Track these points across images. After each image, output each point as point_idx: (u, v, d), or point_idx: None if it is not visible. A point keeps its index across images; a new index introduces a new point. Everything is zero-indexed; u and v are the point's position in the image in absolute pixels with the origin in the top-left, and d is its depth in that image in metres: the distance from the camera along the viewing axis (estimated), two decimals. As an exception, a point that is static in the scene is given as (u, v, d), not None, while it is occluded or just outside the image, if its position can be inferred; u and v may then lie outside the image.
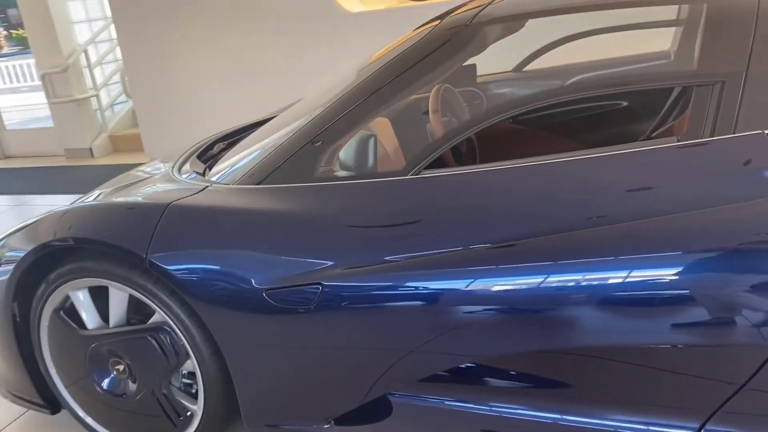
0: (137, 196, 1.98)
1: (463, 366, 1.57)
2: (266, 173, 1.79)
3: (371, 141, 1.79)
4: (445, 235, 1.53)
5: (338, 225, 1.62)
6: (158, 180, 2.11)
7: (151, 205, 1.81)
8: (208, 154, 2.40)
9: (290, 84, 4.74)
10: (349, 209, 1.65)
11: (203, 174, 2.11)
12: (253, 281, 1.64)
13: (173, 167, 2.19)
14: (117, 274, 1.81)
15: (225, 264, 1.67)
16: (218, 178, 1.96)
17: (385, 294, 1.55)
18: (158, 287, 1.77)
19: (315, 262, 1.61)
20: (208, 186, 1.87)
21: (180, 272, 1.69)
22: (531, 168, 1.53)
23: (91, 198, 2.18)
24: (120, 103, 6.94)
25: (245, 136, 2.56)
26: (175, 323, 1.79)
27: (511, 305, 1.47)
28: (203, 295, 1.69)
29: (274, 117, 2.75)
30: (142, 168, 2.49)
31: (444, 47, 1.71)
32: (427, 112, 1.96)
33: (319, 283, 1.59)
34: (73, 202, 2.13)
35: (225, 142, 2.54)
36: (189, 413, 1.92)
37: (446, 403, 1.61)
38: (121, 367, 1.93)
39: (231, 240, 1.69)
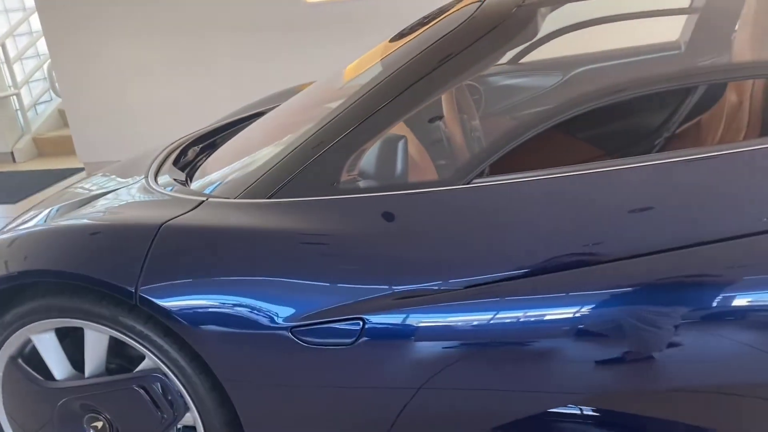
0: (111, 214, 1.63)
1: (543, 410, 1.33)
2: (277, 185, 1.48)
3: (401, 145, 1.52)
4: (518, 254, 1.28)
5: (380, 245, 1.34)
6: (132, 194, 1.76)
7: (137, 227, 1.47)
8: (183, 161, 2.05)
9: (240, 80, 4.38)
10: (393, 227, 1.37)
11: (185, 184, 1.78)
12: (275, 317, 1.34)
13: (148, 177, 1.84)
14: (95, 313, 1.46)
15: (238, 297, 1.36)
16: (210, 191, 1.63)
17: (445, 328, 1.29)
18: (150, 327, 1.44)
19: (354, 292, 1.32)
20: (203, 200, 1.54)
21: (179, 308, 1.37)
22: (619, 172, 1.30)
23: (36, 221, 1.79)
24: (44, 102, 6.33)
25: (224, 139, 2.23)
26: (171, 370, 1.46)
27: (609, 338, 1.23)
28: (209, 336, 1.37)
29: (254, 116, 2.43)
30: (81, 185, 2.09)
31: (496, 31, 1.45)
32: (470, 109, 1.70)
33: (360, 318, 1.31)
34: (9, 226, 1.75)
35: (199, 146, 2.20)
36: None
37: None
38: (99, 425, 1.57)
39: (244, 267, 1.38)
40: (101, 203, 1.77)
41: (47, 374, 1.58)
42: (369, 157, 1.49)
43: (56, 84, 5.28)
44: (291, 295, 1.35)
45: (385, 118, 1.47)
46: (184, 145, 2.15)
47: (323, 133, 1.50)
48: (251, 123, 2.31)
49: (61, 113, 6.02)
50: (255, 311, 1.35)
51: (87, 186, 2.03)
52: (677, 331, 1.22)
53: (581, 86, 2.33)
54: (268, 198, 1.48)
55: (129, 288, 1.38)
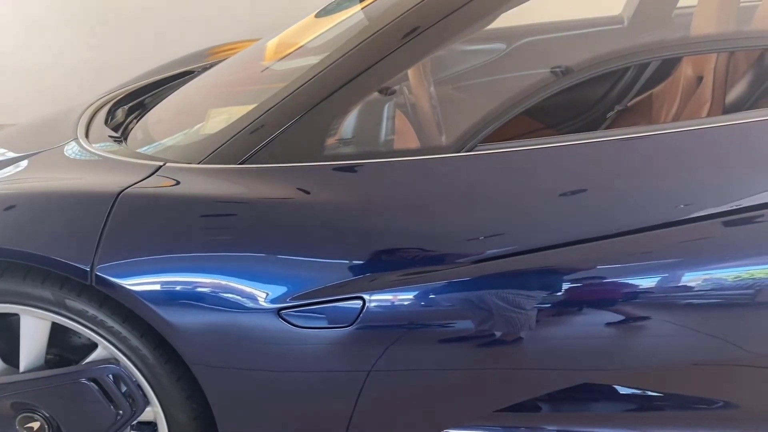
0: (44, 182, 1.38)
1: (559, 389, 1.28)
2: (250, 149, 1.31)
3: (390, 107, 1.40)
4: (533, 227, 1.21)
5: (377, 217, 1.22)
6: (63, 159, 1.51)
7: (88, 196, 1.25)
8: (112, 123, 1.80)
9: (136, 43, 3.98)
10: (389, 197, 1.25)
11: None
12: (259, 298, 1.19)
13: (79, 139, 1.59)
14: (35, 296, 1.24)
15: (214, 275, 1.19)
16: (161, 154, 1.44)
17: (455, 306, 1.20)
18: (105, 312, 1.24)
19: (351, 269, 1.19)
20: (161, 165, 1.34)
21: (144, 289, 1.18)
22: (637, 140, 1.25)
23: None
24: None
25: (154, 99, 1.99)
26: (129, 360, 1.27)
27: (627, 312, 1.19)
28: (180, 320, 1.20)
29: (179, 75, 2.20)
30: None
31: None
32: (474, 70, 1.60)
33: (360, 296, 1.19)
34: None
35: (126, 106, 1.94)
36: (143, 478, 1.41)
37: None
38: (35, 425, 1.35)
39: (222, 241, 1.21)
40: (16, 171, 1.51)
41: (-32, 369, 1.34)
42: (356, 120, 1.36)
43: None
44: (278, 273, 1.20)
45: (374, 78, 1.34)
46: (108, 105, 1.90)
47: (303, 94, 1.35)
48: (181, 83, 2.09)
49: None
50: (235, 291, 1.19)
51: None
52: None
53: (526, 58, 2.31)
54: (239, 164, 1.31)
55: (83, 266, 1.17)
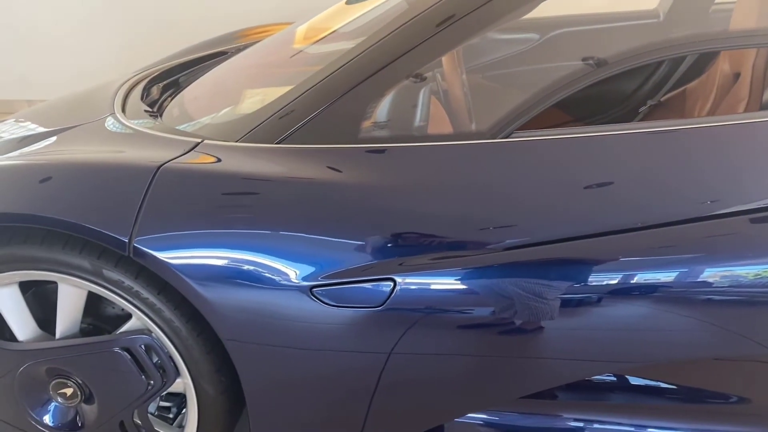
0: (87, 153, 1.41)
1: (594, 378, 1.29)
2: (287, 130, 1.33)
3: (424, 93, 1.41)
4: (565, 217, 1.21)
5: (412, 200, 1.23)
6: (101, 133, 1.53)
7: (129, 168, 1.27)
8: (147, 100, 1.82)
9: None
10: (425, 181, 1.26)
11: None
12: (292, 275, 1.21)
13: (116, 114, 1.61)
14: (74, 264, 1.27)
15: (250, 251, 1.21)
16: (198, 131, 1.46)
17: (485, 292, 1.21)
18: (141, 283, 1.26)
19: (384, 250, 1.21)
20: (199, 142, 1.37)
21: (181, 262, 1.20)
22: (671, 134, 1.25)
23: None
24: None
25: (188, 78, 2.02)
26: (163, 331, 1.29)
27: (650, 305, 1.19)
28: (215, 294, 1.22)
29: (213, 55, 2.22)
30: None
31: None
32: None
33: (391, 278, 1.20)
34: None
35: (161, 83, 1.97)
36: (170, 447, 1.44)
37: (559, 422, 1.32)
38: (68, 391, 1.38)
39: (258, 218, 1.23)
40: (53, 143, 1.54)
41: (4, 335, 1.37)
42: (390, 105, 1.37)
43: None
44: (312, 252, 1.22)
45: (408, 65, 1.35)
46: (144, 83, 1.92)
47: (339, 78, 1.36)
48: (213, 63, 2.12)
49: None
50: (269, 268, 1.21)
51: (2, 131, 1.74)
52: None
53: (559, 49, 2.30)
54: (276, 143, 1.33)
55: (121, 237, 1.19)
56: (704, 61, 1.97)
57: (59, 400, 1.39)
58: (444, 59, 1.56)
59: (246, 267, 1.20)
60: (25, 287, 1.37)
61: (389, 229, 1.21)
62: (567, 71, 1.38)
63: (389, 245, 1.20)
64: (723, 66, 1.81)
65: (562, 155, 1.27)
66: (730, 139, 1.28)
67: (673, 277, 1.19)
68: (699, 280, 1.19)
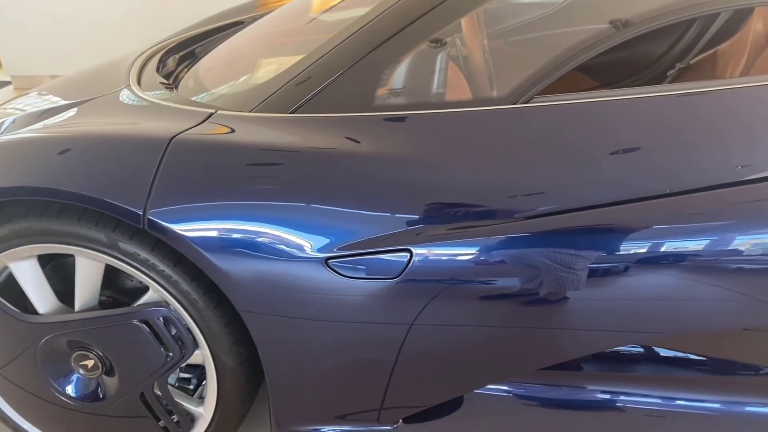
0: (99, 126, 1.40)
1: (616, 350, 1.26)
2: (300, 99, 1.31)
3: (442, 58, 1.37)
4: (587, 183, 1.17)
5: (428, 170, 1.20)
6: (116, 104, 1.52)
7: (141, 139, 1.26)
8: (163, 71, 1.80)
9: None
10: (442, 149, 1.23)
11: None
12: (307, 247, 1.19)
13: (131, 85, 1.60)
14: (90, 237, 1.26)
15: (264, 223, 1.19)
16: (213, 102, 1.44)
17: (504, 263, 1.18)
18: (156, 255, 1.26)
19: (400, 221, 1.18)
20: (213, 112, 1.35)
21: (196, 234, 1.19)
22: (699, 96, 1.20)
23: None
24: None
25: (203, 49, 1.99)
26: (180, 303, 1.29)
27: (678, 273, 1.16)
28: (230, 266, 1.20)
29: (229, 25, 2.19)
30: (14, 105, 1.77)
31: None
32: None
33: (408, 249, 1.17)
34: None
35: (177, 55, 1.95)
36: (191, 419, 1.45)
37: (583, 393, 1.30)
38: (90, 363, 1.39)
39: (273, 189, 1.21)
40: (70, 116, 1.53)
41: (26, 307, 1.38)
42: (407, 71, 1.33)
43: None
44: (327, 223, 1.19)
45: (425, 29, 1.31)
46: (159, 54, 1.90)
47: (353, 44, 1.33)
48: (231, 33, 2.09)
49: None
50: (285, 239, 1.19)
51: (26, 104, 1.74)
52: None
53: (584, 11, 2.22)
54: (290, 113, 1.30)
55: (136, 210, 1.18)
56: (736, 20, 1.88)
57: (81, 371, 1.41)
58: (463, 23, 1.51)
59: (260, 239, 1.19)
60: (45, 260, 1.37)
61: (405, 198, 1.19)
62: (590, 33, 1.33)
63: (405, 215, 1.18)
64: (756, 25, 1.73)
65: (585, 120, 1.22)
66: (761, 101, 1.22)
67: (702, 246, 1.15)
68: (728, 248, 1.15)
